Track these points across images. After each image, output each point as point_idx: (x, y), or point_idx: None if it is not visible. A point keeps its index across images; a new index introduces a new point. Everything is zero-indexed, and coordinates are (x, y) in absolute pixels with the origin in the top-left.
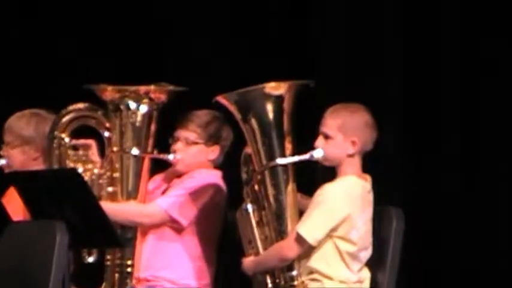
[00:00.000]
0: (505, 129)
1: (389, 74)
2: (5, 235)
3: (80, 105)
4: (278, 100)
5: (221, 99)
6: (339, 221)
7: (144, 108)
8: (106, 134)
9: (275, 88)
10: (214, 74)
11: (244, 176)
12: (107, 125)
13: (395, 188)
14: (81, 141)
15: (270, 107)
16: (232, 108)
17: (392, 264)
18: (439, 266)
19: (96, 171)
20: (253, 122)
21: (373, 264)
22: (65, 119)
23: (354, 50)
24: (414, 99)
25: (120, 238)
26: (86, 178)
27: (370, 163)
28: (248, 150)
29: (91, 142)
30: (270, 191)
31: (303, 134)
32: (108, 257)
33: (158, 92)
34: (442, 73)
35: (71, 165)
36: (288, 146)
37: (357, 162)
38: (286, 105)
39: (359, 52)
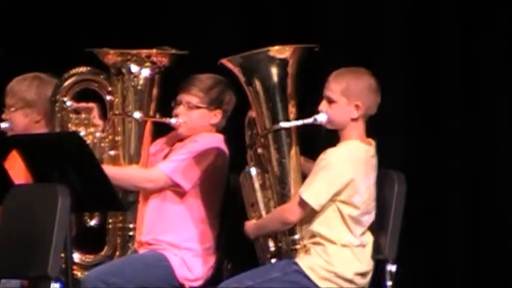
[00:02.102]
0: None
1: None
2: (7, 198)
3: (82, 69)
4: (282, 63)
5: (225, 62)
6: (342, 185)
7: (146, 72)
8: (108, 97)
9: (280, 51)
10: (217, 36)
11: (248, 139)
12: (109, 88)
13: (396, 152)
14: (83, 104)
15: (274, 71)
16: (237, 71)
17: (394, 229)
18: (441, 230)
19: (98, 134)
20: (257, 85)
21: (375, 228)
22: (67, 82)
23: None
24: (416, 61)
25: (122, 202)
26: (88, 141)
27: (372, 127)
28: (252, 113)
29: (93, 105)
30: (274, 154)
31: (306, 97)
32: (110, 220)
33: (160, 56)
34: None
35: (73, 128)
36: (292, 110)
37: (360, 126)
38: (291, 68)
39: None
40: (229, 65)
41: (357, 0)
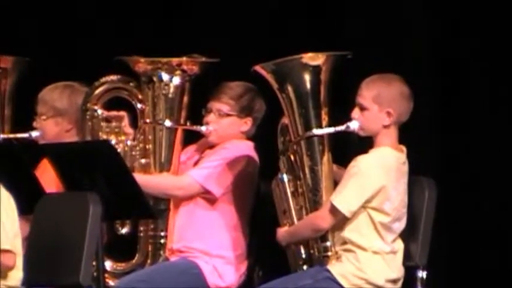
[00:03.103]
0: None
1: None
2: (38, 207)
3: (113, 77)
4: (315, 70)
5: (258, 68)
6: (373, 192)
7: (176, 80)
8: (139, 105)
9: (313, 58)
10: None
11: (280, 146)
12: (140, 96)
13: (427, 158)
14: (114, 113)
15: (307, 77)
16: (269, 78)
17: (424, 235)
18: (472, 236)
19: (129, 142)
20: (290, 92)
21: (405, 235)
22: (98, 90)
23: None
24: (446, 66)
25: (153, 209)
26: (119, 150)
27: (404, 133)
28: (285, 120)
29: (123, 114)
30: (306, 161)
31: (339, 104)
32: (142, 228)
33: (191, 64)
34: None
35: (103, 137)
36: (325, 117)
37: (392, 133)
38: (324, 75)
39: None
40: (262, 72)
41: (386, 5)
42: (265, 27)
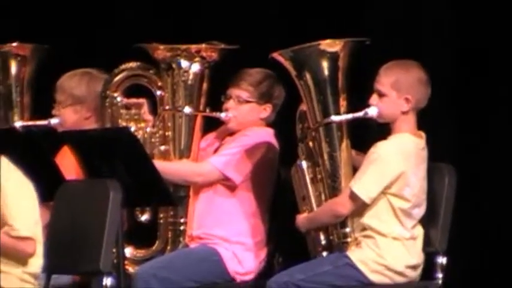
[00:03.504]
0: None
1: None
2: (58, 194)
3: (132, 64)
4: (333, 57)
5: (276, 56)
6: (392, 178)
7: (196, 67)
8: (158, 92)
9: (330, 45)
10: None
11: (299, 132)
12: (159, 83)
13: (446, 144)
14: (133, 100)
15: (325, 64)
16: (287, 65)
17: (444, 221)
18: (491, 222)
19: (148, 129)
20: (308, 78)
21: (425, 220)
22: (117, 78)
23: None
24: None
25: (173, 196)
26: (139, 137)
27: (423, 119)
28: (303, 107)
29: (143, 101)
30: (325, 147)
31: (357, 91)
32: (161, 215)
33: (210, 51)
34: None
35: (123, 124)
36: (343, 103)
37: (411, 119)
38: (341, 62)
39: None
40: (280, 59)
41: None
42: (284, 13)
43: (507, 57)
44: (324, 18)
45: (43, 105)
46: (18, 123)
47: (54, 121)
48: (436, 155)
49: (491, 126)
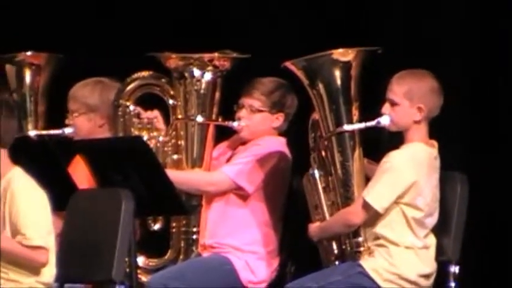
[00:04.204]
0: None
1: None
2: (71, 203)
3: (145, 73)
4: (346, 66)
5: (289, 65)
6: (405, 188)
7: (208, 76)
8: (170, 101)
9: (343, 54)
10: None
11: (311, 141)
12: (172, 92)
13: (458, 153)
14: (147, 114)
15: (337, 73)
16: (300, 74)
17: (457, 230)
18: (504, 230)
19: (161, 138)
20: (321, 87)
21: (437, 229)
22: (130, 86)
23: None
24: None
25: (186, 205)
26: (151, 146)
27: (434, 128)
28: (315, 116)
29: (156, 114)
30: (337, 157)
31: (369, 100)
32: (174, 224)
33: (222, 60)
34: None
35: (136, 132)
36: (355, 112)
37: (423, 128)
38: (354, 71)
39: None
40: (293, 68)
41: (416, 2)
42: (296, 23)
43: None
44: (336, 27)
45: (57, 114)
46: (32, 132)
47: (68, 130)
48: (448, 164)
49: (504, 135)
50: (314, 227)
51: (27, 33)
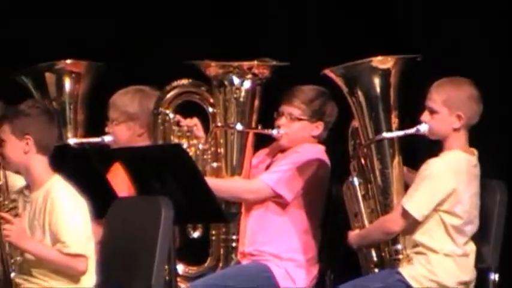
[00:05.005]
0: None
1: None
2: (111, 211)
3: (184, 81)
4: (385, 74)
5: (328, 72)
6: (444, 195)
7: (247, 84)
8: (210, 109)
9: (382, 62)
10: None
11: (351, 149)
12: (211, 100)
13: (497, 161)
14: (187, 122)
15: (376, 81)
16: (339, 82)
17: (496, 238)
18: None
19: (200, 146)
20: (360, 95)
21: (477, 237)
22: (169, 95)
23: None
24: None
25: (225, 213)
26: (191, 153)
27: (475, 136)
28: (355, 123)
29: (195, 121)
30: (376, 164)
31: (409, 108)
32: (213, 232)
33: (261, 67)
34: None
35: (175, 140)
36: (394, 120)
37: (462, 136)
38: (393, 79)
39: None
40: (332, 76)
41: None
42: (335, 30)
43: None
44: (375, 35)
45: (97, 122)
46: (71, 140)
47: (107, 138)
48: (489, 172)
49: None
50: (353, 235)
51: (67, 41)
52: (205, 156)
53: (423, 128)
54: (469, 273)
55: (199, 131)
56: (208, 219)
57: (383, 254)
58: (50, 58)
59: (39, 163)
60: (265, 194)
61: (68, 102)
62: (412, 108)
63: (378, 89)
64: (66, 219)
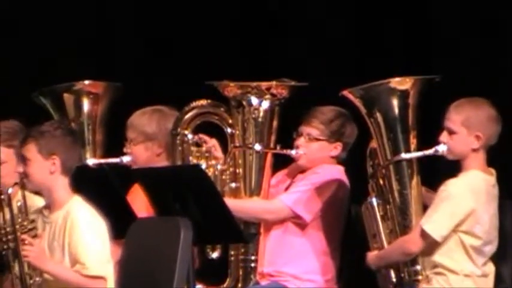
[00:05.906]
0: None
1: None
2: (130, 232)
3: (203, 102)
4: (403, 95)
5: (346, 93)
6: (463, 216)
7: (266, 104)
8: (229, 130)
9: (400, 83)
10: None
11: (369, 169)
12: (230, 121)
13: None
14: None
15: (395, 102)
16: (357, 103)
17: None
18: None
19: (219, 167)
20: (379, 116)
21: (496, 258)
22: (188, 115)
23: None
24: None
25: (244, 233)
26: (209, 174)
27: (493, 156)
28: (373, 144)
29: (214, 142)
30: (395, 185)
31: (427, 128)
32: (232, 252)
33: (280, 88)
34: None
35: (194, 161)
36: (413, 141)
37: (481, 156)
38: (411, 100)
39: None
40: (350, 97)
41: (472, 30)
42: (354, 51)
43: None
44: (393, 55)
45: (115, 142)
46: (90, 161)
47: (126, 159)
48: (507, 192)
49: None
50: (372, 256)
51: (86, 62)
52: (223, 177)
53: (442, 148)
54: None
55: (217, 151)
56: (227, 240)
57: (402, 274)
58: (68, 79)
59: (62, 184)
60: (284, 215)
61: (87, 123)
62: (430, 128)
63: (396, 110)
64: (85, 241)
